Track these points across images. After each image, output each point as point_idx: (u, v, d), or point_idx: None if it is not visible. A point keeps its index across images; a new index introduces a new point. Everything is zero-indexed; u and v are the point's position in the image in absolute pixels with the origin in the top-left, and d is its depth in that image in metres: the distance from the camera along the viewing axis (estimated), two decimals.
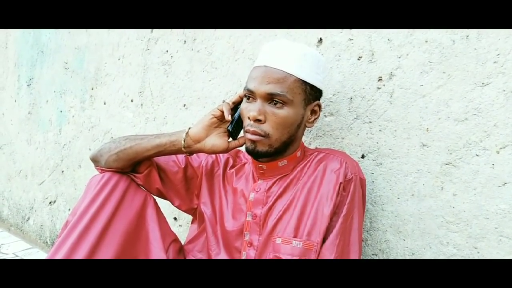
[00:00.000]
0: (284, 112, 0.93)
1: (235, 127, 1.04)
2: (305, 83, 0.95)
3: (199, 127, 1.02)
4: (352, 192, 0.95)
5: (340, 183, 0.94)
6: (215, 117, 1.02)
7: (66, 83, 2.23)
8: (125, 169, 1.07)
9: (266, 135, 0.94)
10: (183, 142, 1.01)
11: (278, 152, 0.98)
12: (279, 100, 0.93)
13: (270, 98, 0.93)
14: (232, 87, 1.45)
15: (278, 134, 0.95)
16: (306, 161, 1.03)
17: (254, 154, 0.97)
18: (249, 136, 0.95)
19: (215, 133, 1.03)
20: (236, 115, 1.03)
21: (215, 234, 1.09)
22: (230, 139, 1.05)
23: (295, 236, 0.96)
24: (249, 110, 0.95)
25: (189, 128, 1.03)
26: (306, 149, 1.08)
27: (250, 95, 0.96)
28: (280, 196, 1.01)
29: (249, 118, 0.94)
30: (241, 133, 1.04)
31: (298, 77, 0.94)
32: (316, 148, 1.21)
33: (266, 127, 0.94)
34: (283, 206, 1.00)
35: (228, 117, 0.98)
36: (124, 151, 1.03)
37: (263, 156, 0.98)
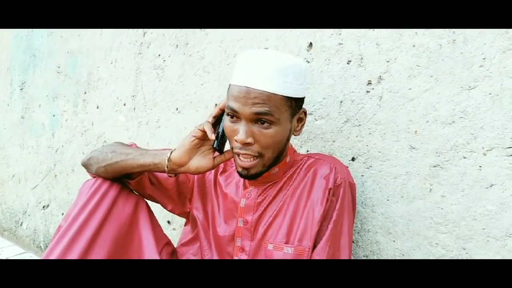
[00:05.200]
0: (272, 131, 0.90)
1: (220, 142, 1.00)
2: (290, 99, 0.91)
3: (181, 152, 0.98)
4: (342, 197, 0.95)
5: (330, 188, 0.95)
6: (197, 138, 0.98)
7: (58, 87, 2.23)
8: (116, 178, 1.07)
9: (259, 155, 0.92)
10: (166, 168, 0.99)
11: (270, 167, 0.98)
12: (266, 120, 0.89)
13: (256, 119, 0.89)
14: (224, 91, 1.46)
15: (270, 152, 0.93)
16: (296, 167, 1.03)
17: (249, 177, 0.95)
18: (240, 162, 0.93)
19: (199, 154, 1.00)
20: (220, 129, 1.00)
21: (208, 239, 1.10)
22: (216, 153, 1.02)
23: (286, 242, 0.96)
24: (235, 132, 0.91)
25: (171, 152, 0.99)
26: (296, 154, 1.07)
27: (234, 114, 0.91)
28: (270, 202, 1.02)
29: (236, 141, 0.91)
30: (227, 146, 1.01)
31: (283, 95, 0.90)
32: (307, 152, 1.22)
33: (256, 148, 0.92)
34: (273, 212, 1.00)
35: (211, 136, 0.94)
36: (111, 165, 1.02)
37: (258, 177, 0.97)
